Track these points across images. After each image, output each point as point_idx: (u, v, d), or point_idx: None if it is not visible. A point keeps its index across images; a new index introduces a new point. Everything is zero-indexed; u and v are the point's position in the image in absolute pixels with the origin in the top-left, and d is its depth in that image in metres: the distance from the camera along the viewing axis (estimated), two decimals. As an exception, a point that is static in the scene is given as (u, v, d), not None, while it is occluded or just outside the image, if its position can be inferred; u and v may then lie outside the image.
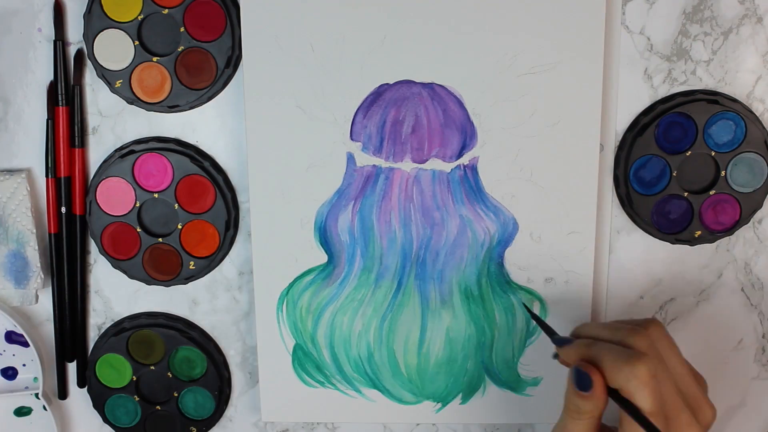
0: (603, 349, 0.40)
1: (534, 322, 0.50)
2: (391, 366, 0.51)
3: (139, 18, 0.49)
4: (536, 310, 0.50)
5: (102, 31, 0.49)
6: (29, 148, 0.52)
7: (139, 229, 0.51)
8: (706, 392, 0.43)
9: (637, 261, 0.52)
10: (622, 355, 0.39)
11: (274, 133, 0.49)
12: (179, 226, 0.51)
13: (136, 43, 0.49)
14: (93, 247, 0.52)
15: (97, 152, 0.52)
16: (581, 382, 0.40)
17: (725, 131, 0.49)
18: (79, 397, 0.55)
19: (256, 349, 0.52)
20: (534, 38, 0.47)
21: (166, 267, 0.52)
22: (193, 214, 0.51)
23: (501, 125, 0.48)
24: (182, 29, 0.49)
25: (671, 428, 0.39)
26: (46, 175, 0.51)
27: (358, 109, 0.48)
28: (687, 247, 0.51)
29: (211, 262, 0.51)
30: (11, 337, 0.54)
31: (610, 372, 0.39)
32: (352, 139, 0.49)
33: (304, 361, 0.52)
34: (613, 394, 0.39)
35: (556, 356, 0.44)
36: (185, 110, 0.50)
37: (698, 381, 0.42)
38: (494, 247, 0.50)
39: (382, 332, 0.51)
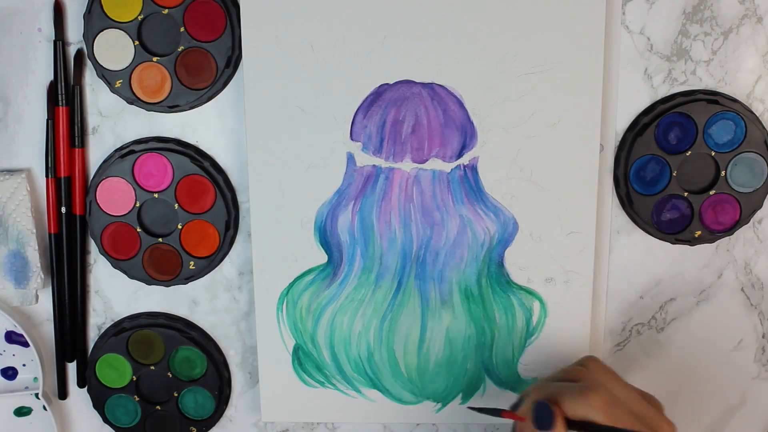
0: (556, 387, 0.42)
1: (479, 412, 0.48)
2: (391, 366, 0.51)
3: (139, 18, 0.49)
4: (536, 310, 0.50)
5: (102, 31, 0.49)
6: (29, 148, 0.52)
7: (139, 229, 0.51)
8: (662, 411, 0.44)
9: (637, 261, 0.52)
10: (574, 388, 0.41)
11: (274, 133, 0.49)
12: (179, 226, 0.51)
13: (136, 43, 0.49)
14: (93, 247, 0.52)
15: (97, 152, 0.52)
16: (543, 418, 0.41)
17: (725, 131, 0.49)
18: (79, 397, 0.55)
19: (256, 349, 0.52)
20: (534, 38, 0.47)
21: (166, 267, 0.52)
22: (193, 214, 0.51)
23: (501, 125, 0.48)
24: (182, 29, 0.49)
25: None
26: (46, 175, 0.51)
27: (358, 109, 0.48)
28: (687, 247, 0.51)
29: (211, 262, 0.51)
30: (11, 337, 0.54)
31: (568, 406, 0.41)
32: (352, 139, 0.49)
33: (304, 361, 0.52)
34: (573, 425, 0.41)
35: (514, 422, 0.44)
36: (185, 110, 0.50)
37: (651, 402, 0.44)
38: (494, 247, 0.50)
39: (382, 332, 0.51)
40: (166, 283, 0.52)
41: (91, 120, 0.51)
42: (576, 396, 0.41)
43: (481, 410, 0.45)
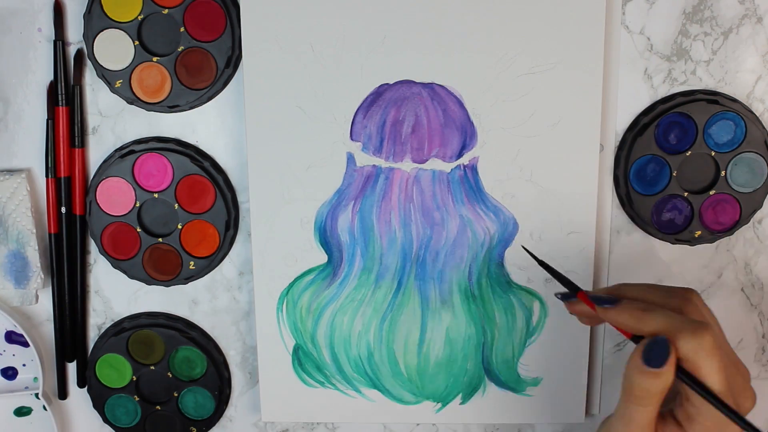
0: (669, 318, 0.35)
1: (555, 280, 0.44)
2: (391, 366, 0.51)
3: (139, 18, 0.49)
4: (536, 310, 0.50)
5: (102, 31, 0.49)
6: (29, 148, 0.52)
7: (139, 229, 0.51)
8: (749, 379, 0.39)
9: (637, 261, 0.52)
10: (687, 323, 0.34)
11: (274, 133, 0.49)
12: (179, 226, 0.51)
13: (136, 43, 0.49)
14: (93, 247, 0.52)
15: (97, 152, 0.52)
16: (658, 355, 0.34)
17: (725, 131, 0.49)
18: (79, 397, 0.55)
19: (256, 349, 0.52)
20: (534, 38, 0.47)
21: (166, 267, 0.52)
22: (193, 214, 0.51)
23: (501, 125, 0.48)
24: (182, 29, 0.49)
25: (732, 394, 0.35)
26: (46, 175, 0.51)
27: (358, 109, 0.48)
28: (687, 247, 0.51)
29: (211, 262, 0.51)
30: (11, 337, 0.54)
31: (681, 343, 0.34)
32: (352, 139, 0.49)
33: (304, 361, 0.52)
34: (679, 369, 0.35)
35: (567, 297, 0.40)
36: (185, 110, 0.50)
37: (738, 366, 0.39)
38: (494, 247, 0.50)
39: (382, 332, 0.51)
40: (166, 283, 0.52)
41: (91, 120, 0.51)
42: (689, 334, 0.34)
43: (554, 274, 0.40)
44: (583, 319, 0.41)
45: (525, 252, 0.49)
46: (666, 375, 0.34)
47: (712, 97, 0.49)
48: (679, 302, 0.37)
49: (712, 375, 0.34)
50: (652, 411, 0.35)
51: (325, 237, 0.50)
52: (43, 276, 0.52)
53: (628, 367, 0.35)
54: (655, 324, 0.35)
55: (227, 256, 0.52)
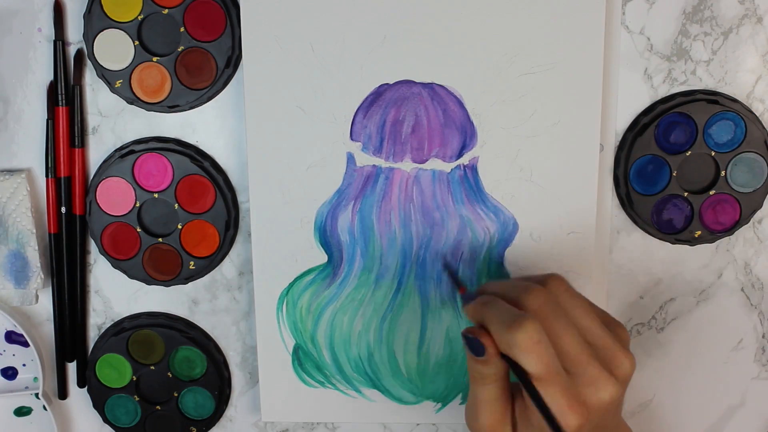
0: (492, 310, 0.38)
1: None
2: (391, 366, 0.51)
3: (139, 18, 0.49)
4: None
5: (102, 31, 0.49)
6: (29, 148, 0.52)
7: (139, 229, 0.51)
8: (627, 343, 0.41)
9: (637, 261, 0.52)
10: (505, 319, 0.37)
11: (274, 133, 0.49)
12: (179, 226, 0.51)
13: (136, 43, 0.49)
14: (93, 247, 0.52)
15: (97, 152, 0.52)
16: (473, 347, 0.38)
17: (725, 131, 0.49)
18: (79, 397, 0.55)
19: (256, 349, 0.52)
20: (534, 38, 0.47)
21: (166, 267, 0.52)
22: (193, 214, 0.51)
23: (501, 125, 0.48)
24: (182, 29, 0.49)
25: (578, 384, 0.37)
26: (46, 175, 0.51)
27: (358, 109, 0.48)
28: (687, 247, 0.51)
29: (211, 262, 0.51)
30: (11, 337, 0.54)
31: (496, 337, 0.38)
32: (352, 139, 0.49)
33: (304, 361, 0.52)
34: (505, 356, 0.38)
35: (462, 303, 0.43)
36: (185, 110, 0.50)
37: (616, 330, 0.40)
38: (494, 247, 0.50)
39: (382, 332, 0.51)
40: (166, 283, 0.52)
41: (91, 120, 0.51)
42: (504, 330, 0.37)
43: (451, 274, 0.44)
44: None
45: (525, 252, 0.50)
46: (492, 361, 0.38)
47: (712, 97, 0.49)
48: (519, 293, 0.39)
49: (527, 365, 0.36)
50: (493, 389, 0.39)
51: (325, 237, 0.50)
52: (43, 276, 0.52)
53: (466, 353, 0.40)
54: (483, 318, 0.39)
55: (227, 256, 0.52)
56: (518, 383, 0.39)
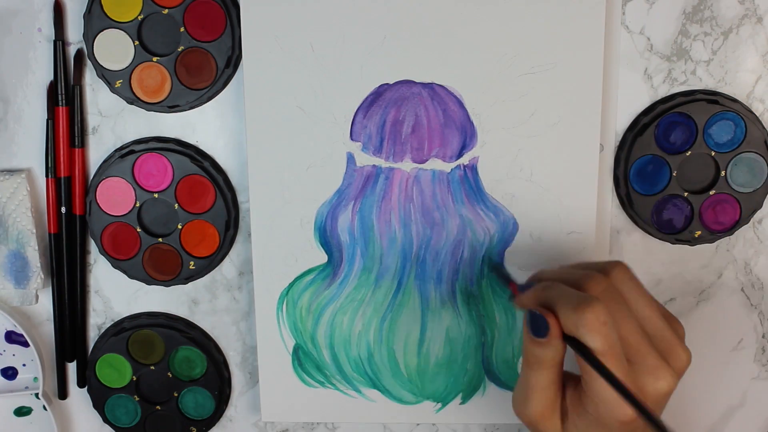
0: (556, 292, 0.38)
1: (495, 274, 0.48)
2: (391, 366, 0.51)
3: (139, 18, 0.49)
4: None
5: (102, 31, 0.49)
6: (29, 148, 0.52)
7: (139, 229, 0.51)
8: (683, 337, 0.40)
9: (637, 261, 0.52)
10: (572, 299, 0.37)
11: (274, 133, 0.49)
12: (179, 226, 0.51)
13: (136, 43, 0.49)
14: (93, 247, 0.52)
15: (97, 152, 0.52)
16: (536, 327, 0.38)
17: (725, 131, 0.49)
18: (79, 397, 0.55)
19: (256, 349, 0.52)
20: (534, 38, 0.47)
21: (166, 267, 0.52)
22: (193, 214, 0.51)
23: (501, 125, 0.48)
24: (182, 29, 0.49)
25: (637, 372, 0.37)
26: (46, 175, 0.51)
27: (358, 109, 0.48)
28: (687, 247, 0.51)
29: (211, 262, 0.51)
30: (11, 337, 0.54)
31: (562, 317, 0.37)
32: (352, 139, 0.49)
33: (304, 361, 0.52)
34: (569, 339, 0.37)
35: (512, 298, 0.42)
36: (185, 110, 0.50)
37: (672, 324, 0.40)
38: (494, 247, 0.50)
39: (382, 332, 0.51)
40: (166, 283, 0.52)
41: (91, 120, 0.51)
42: (571, 310, 0.36)
43: (498, 270, 0.43)
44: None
45: (525, 252, 0.50)
46: (553, 343, 0.37)
47: (712, 97, 0.49)
48: (581, 278, 0.39)
49: (594, 344, 0.36)
50: (548, 375, 0.38)
51: (325, 237, 0.50)
52: (43, 276, 0.52)
53: (523, 336, 0.39)
54: (547, 300, 0.38)
55: (227, 256, 0.52)
56: (571, 373, 0.39)
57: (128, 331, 0.53)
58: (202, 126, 0.51)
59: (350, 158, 0.49)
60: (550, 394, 0.39)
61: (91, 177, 0.51)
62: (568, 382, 0.40)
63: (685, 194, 0.50)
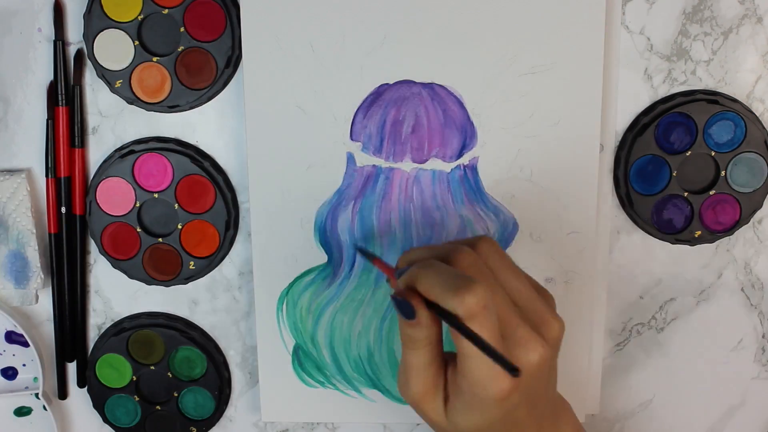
0: (431, 274, 0.36)
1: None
2: (391, 366, 0.51)
3: (139, 18, 0.49)
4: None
5: (102, 31, 0.49)
6: (29, 148, 0.52)
7: (139, 229, 0.51)
8: (554, 307, 0.40)
9: (637, 261, 0.52)
10: (450, 282, 0.35)
11: (274, 133, 0.49)
12: (179, 226, 0.51)
13: (136, 43, 0.49)
14: (93, 247, 0.52)
15: (97, 152, 0.52)
16: (403, 310, 0.37)
17: (725, 131, 0.49)
18: (79, 397, 0.55)
19: (256, 349, 0.52)
20: (534, 38, 0.47)
21: (166, 267, 0.52)
22: (193, 214, 0.51)
23: (501, 125, 0.48)
24: (182, 29, 0.49)
25: (509, 346, 0.36)
26: (46, 175, 0.51)
27: (358, 109, 0.48)
28: (687, 247, 0.51)
29: (211, 262, 0.51)
30: (11, 337, 0.54)
31: (442, 302, 0.35)
32: (352, 139, 0.49)
33: (304, 361, 0.52)
34: (444, 316, 0.36)
35: (388, 281, 0.42)
36: (185, 110, 0.50)
37: (543, 294, 0.39)
38: (494, 247, 0.50)
39: (382, 332, 0.51)
40: (166, 283, 0.52)
41: (91, 120, 0.51)
42: (451, 294, 0.35)
43: (363, 251, 0.43)
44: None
45: (525, 252, 0.50)
46: (423, 323, 0.37)
47: (712, 97, 0.49)
48: (449, 253, 0.38)
49: (480, 333, 0.34)
50: (424, 354, 0.38)
51: (325, 237, 0.50)
52: (43, 276, 0.52)
53: (397, 317, 0.38)
54: (419, 281, 0.37)
55: (227, 256, 0.52)
56: (452, 353, 0.38)
57: (128, 331, 0.53)
58: (202, 126, 0.51)
59: (350, 158, 0.49)
60: (429, 374, 0.38)
61: (91, 177, 0.51)
62: (450, 363, 0.39)
63: (685, 194, 0.50)
